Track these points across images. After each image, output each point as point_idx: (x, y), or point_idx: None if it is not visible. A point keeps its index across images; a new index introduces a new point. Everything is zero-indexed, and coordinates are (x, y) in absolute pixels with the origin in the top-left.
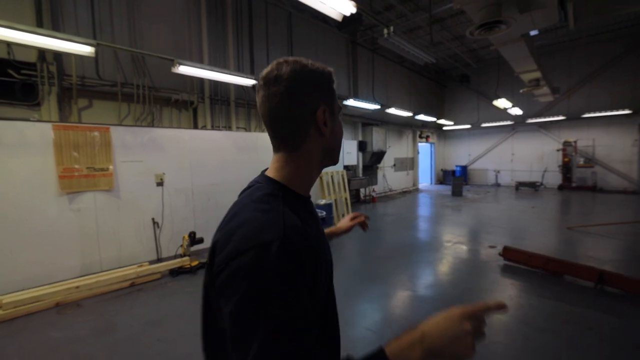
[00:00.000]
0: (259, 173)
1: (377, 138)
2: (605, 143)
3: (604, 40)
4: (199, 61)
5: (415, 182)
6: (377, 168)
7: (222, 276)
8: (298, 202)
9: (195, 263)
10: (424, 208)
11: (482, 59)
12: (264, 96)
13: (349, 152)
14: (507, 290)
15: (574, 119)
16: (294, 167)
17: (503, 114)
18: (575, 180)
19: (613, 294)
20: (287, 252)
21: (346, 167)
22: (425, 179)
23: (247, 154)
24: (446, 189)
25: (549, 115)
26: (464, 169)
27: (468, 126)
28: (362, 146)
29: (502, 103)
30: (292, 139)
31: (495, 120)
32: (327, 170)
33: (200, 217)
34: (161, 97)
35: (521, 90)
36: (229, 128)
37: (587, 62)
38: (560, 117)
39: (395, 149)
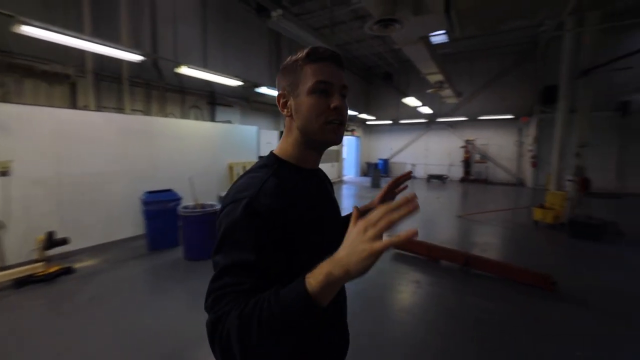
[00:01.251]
0: (148, 161)
1: None
2: (496, 142)
3: (498, 54)
4: (77, 28)
5: (340, 173)
6: None
7: (217, 224)
8: (293, 172)
9: (54, 269)
10: (341, 198)
11: (402, 59)
12: None
13: (269, 142)
14: (391, 279)
15: (473, 120)
16: (285, 143)
17: (419, 112)
18: (473, 174)
19: (477, 275)
20: (249, 208)
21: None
22: (350, 171)
23: (139, 140)
24: (368, 181)
25: (455, 116)
26: (385, 162)
27: (389, 122)
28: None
29: (410, 101)
30: (285, 120)
31: (412, 118)
32: (238, 161)
33: (69, 213)
34: (20, 65)
35: (428, 91)
36: (121, 110)
37: (485, 72)
38: (463, 118)
39: None
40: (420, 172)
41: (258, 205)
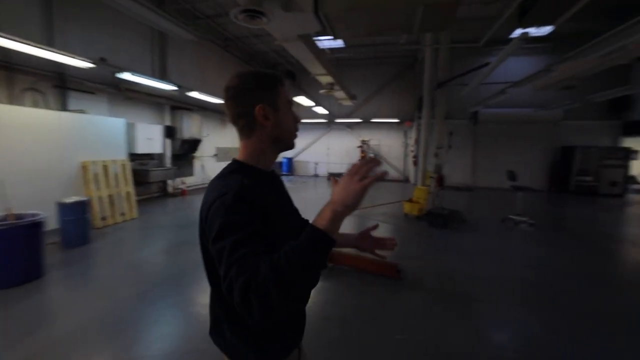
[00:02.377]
0: None
1: (190, 124)
2: (387, 143)
3: (388, 64)
4: None
5: None
6: (192, 157)
7: (207, 222)
8: (257, 175)
9: None
10: None
11: None
12: (224, 102)
13: (150, 138)
14: None
15: (368, 122)
16: (250, 150)
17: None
18: None
19: (343, 271)
20: (238, 197)
21: (144, 156)
22: None
23: None
24: None
25: (352, 117)
26: (290, 160)
27: None
28: (170, 132)
29: (301, 100)
30: (244, 131)
31: (313, 118)
32: (97, 159)
33: None
34: None
35: (320, 92)
36: None
37: (378, 78)
38: (359, 120)
39: (218, 138)
40: (323, 170)
41: (245, 194)
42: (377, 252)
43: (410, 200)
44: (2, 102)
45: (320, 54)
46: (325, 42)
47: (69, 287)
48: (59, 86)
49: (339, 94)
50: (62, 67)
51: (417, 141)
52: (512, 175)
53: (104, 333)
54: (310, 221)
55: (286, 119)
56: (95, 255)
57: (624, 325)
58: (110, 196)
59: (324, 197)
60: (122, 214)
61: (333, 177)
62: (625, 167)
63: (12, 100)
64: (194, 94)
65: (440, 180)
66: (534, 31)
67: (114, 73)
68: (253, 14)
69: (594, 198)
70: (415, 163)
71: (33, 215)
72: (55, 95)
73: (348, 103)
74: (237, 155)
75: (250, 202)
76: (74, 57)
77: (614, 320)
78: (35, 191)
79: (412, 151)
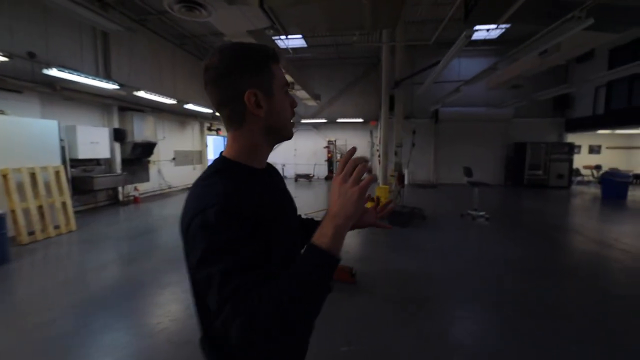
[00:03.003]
0: None
1: (143, 127)
2: (353, 143)
3: (352, 64)
4: None
5: None
6: (147, 162)
7: (188, 241)
8: (247, 174)
9: None
10: None
11: None
12: (203, 82)
13: (95, 142)
14: None
15: (334, 123)
16: (240, 144)
17: None
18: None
19: None
20: (222, 212)
21: (88, 161)
22: None
23: None
24: None
25: (318, 118)
26: None
27: None
28: (119, 135)
29: None
30: (232, 121)
31: None
32: (22, 166)
33: None
34: None
35: None
36: None
37: (342, 79)
38: (323, 120)
39: (176, 140)
40: (291, 171)
41: (230, 206)
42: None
43: (371, 199)
44: None
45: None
46: (288, 41)
47: None
48: None
49: (301, 93)
50: None
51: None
52: (468, 172)
53: None
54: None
55: (282, 105)
56: (11, 276)
57: (571, 318)
58: (40, 207)
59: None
60: (56, 227)
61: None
62: (570, 161)
63: None
64: (143, 94)
65: (400, 178)
66: (482, 33)
67: (41, 69)
68: (190, 5)
69: (544, 190)
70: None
71: None
72: None
73: (312, 103)
74: (225, 150)
75: (238, 215)
76: None
77: (562, 315)
78: None
79: (378, 150)
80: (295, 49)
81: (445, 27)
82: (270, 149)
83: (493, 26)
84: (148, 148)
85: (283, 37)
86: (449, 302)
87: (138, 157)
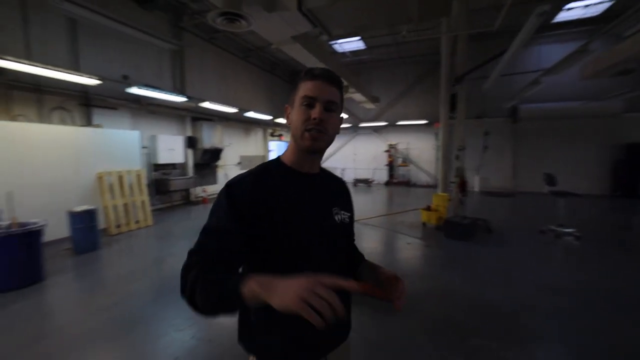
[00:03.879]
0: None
1: (211, 134)
2: (417, 146)
3: (414, 62)
4: None
5: None
6: (215, 166)
7: None
8: (284, 170)
9: None
10: None
11: None
12: None
13: (172, 149)
14: None
15: (396, 126)
16: (288, 148)
17: (348, 118)
18: (397, 177)
19: None
20: (225, 193)
21: (166, 166)
22: None
23: None
24: None
25: (378, 121)
26: None
27: None
28: (191, 142)
29: None
30: None
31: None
32: (112, 170)
33: None
34: None
35: None
36: None
37: (403, 78)
38: (383, 123)
39: (241, 146)
40: (350, 176)
41: (232, 191)
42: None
43: (428, 208)
44: (33, 121)
45: (324, 55)
46: (345, 44)
47: (65, 291)
48: (84, 104)
49: (357, 96)
50: (85, 86)
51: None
52: (550, 179)
53: (82, 331)
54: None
55: (296, 116)
56: (101, 260)
57: None
58: (125, 205)
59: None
60: (137, 222)
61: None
62: None
63: (42, 118)
64: (208, 104)
65: (462, 186)
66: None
67: (124, 89)
68: (231, 17)
69: None
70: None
71: (34, 223)
72: (80, 112)
73: (371, 106)
74: None
75: (232, 200)
76: (82, 75)
77: None
78: (53, 201)
79: (456, 154)
80: (354, 52)
81: (520, 11)
82: (306, 157)
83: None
84: (216, 153)
85: (341, 41)
86: (504, 340)
87: (207, 162)
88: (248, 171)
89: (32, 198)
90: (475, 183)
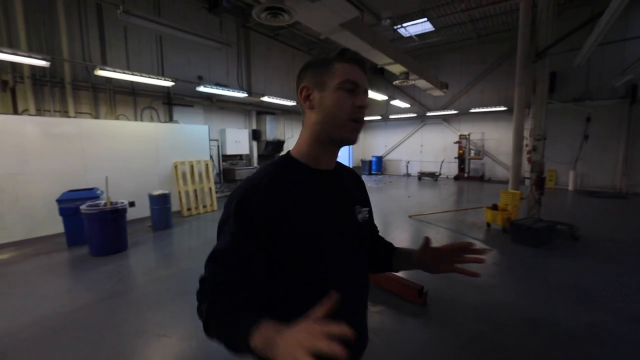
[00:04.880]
0: (77, 161)
1: (274, 127)
2: (494, 137)
3: (496, 41)
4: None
5: None
6: None
7: None
8: (300, 169)
9: None
10: None
11: None
12: None
13: (238, 141)
14: None
15: (469, 114)
16: (300, 141)
17: (411, 107)
18: (468, 171)
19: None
20: (238, 207)
21: (234, 157)
22: None
23: (63, 141)
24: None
25: (448, 109)
26: (379, 159)
27: (378, 117)
28: (255, 135)
29: (374, 95)
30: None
31: (403, 113)
32: (185, 160)
33: None
34: None
35: (394, 82)
36: (65, 113)
37: (482, 60)
38: (453, 112)
39: (294, 139)
40: (416, 169)
41: (247, 205)
42: (461, 267)
43: (494, 207)
44: (129, 119)
45: (380, 41)
46: (411, 28)
47: (139, 260)
48: (167, 103)
49: (421, 83)
50: (168, 88)
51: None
52: None
53: (155, 287)
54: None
55: (335, 101)
56: (171, 237)
57: None
58: (195, 191)
59: (391, 198)
60: (205, 206)
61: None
62: None
63: (136, 117)
64: (266, 98)
65: (539, 182)
66: None
67: (195, 88)
68: (274, 11)
69: None
70: (531, 160)
71: (121, 203)
72: (164, 110)
73: (438, 93)
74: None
75: (246, 216)
76: (165, 80)
77: None
78: (139, 185)
79: (527, 145)
80: (421, 35)
81: None
82: (329, 150)
83: None
84: (278, 145)
85: (406, 24)
86: None
87: (270, 153)
88: (257, 176)
89: (125, 182)
90: (569, 180)
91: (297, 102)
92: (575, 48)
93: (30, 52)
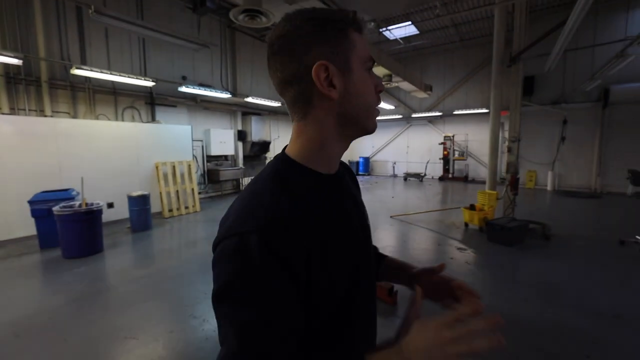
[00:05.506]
0: (52, 161)
1: (260, 128)
2: (477, 138)
3: (479, 45)
4: None
5: None
6: (265, 158)
7: (213, 262)
8: (305, 177)
9: None
10: None
11: None
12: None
13: (223, 142)
14: None
15: (453, 116)
16: (304, 140)
17: (398, 108)
18: (453, 172)
19: None
20: (262, 248)
21: (219, 157)
22: None
23: (37, 141)
24: None
25: (433, 111)
26: (367, 160)
27: None
28: (241, 135)
29: None
30: (297, 107)
31: (390, 114)
32: (167, 161)
33: None
34: None
35: None
36: (42, 112)
37: (466, 63)
38: (438, 113)
39: (289, 139)
40: (402, 169)
41: (276, 242)
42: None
43: (471, 207)
44: (110, 119)
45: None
46: (396, 31)
47: (114, 261)
48: (149, 103)
49: (405, 85)
50: (150, 88)
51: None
52: (637, 177)
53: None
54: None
55: (364, 86)
56: (149, 239)
57: None
58: (177, 192)
59: (377, 198)
60: (187, 207)
61: (420, 291)
62: None
63: (117, 117)
64: (251, 99)
65: (513, 183)
66: None
67: (177, 88)
68: (252, 14)
69: None
70: None
71: (97, 204)
72: (146, 110)
73: (422, 95)
74: (288, 146)
75: (283, 258)
76: (147, 80)
77: None
78: (118, 186)
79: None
80: (406, 38)
81: None
82: (345, 147)
83: None
84: (264, 146)
85: (391, 27)
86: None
87: (256, 153)
88: (264, 198)
89: (104, 183)
90: (548, 180)
91: (296, 92)
92: (548, 53)
93: (4, 49)
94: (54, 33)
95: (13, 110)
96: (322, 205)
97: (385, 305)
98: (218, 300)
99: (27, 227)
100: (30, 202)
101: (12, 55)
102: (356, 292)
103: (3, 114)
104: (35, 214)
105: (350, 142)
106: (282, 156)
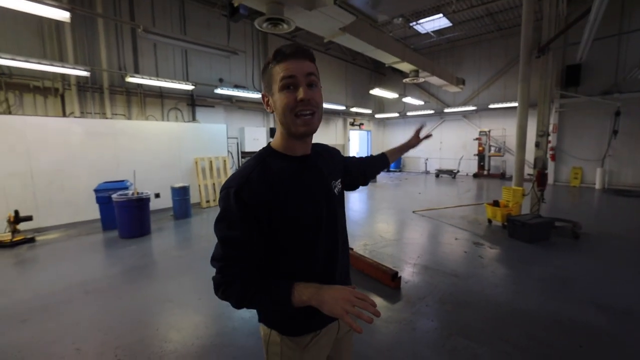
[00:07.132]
0: (112, 157)
1: None
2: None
3: (517, 34)
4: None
5: None
6: None
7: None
8: (282, 161)
9: (18, 238)
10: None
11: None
12: None
13: (256, 139)
14: None
15: (490, 110)
16: (276, 134)
17: (429, 103)
18: (489, 168)
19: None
20: (237, 197)
21: (252, 153)
22: None
23: (100, 139)
24: (382, 175)
25: (467, 105)
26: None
27: (395, 114)
28: (272, 133)
29: (376, 92)
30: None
31: (421, 109)
32: (204, 156)
33: (41, 199)
34: (17, 84)
35: (404, 80)
36: (104, 115)
37: (503, 54)
38: (471, 108)
39: (321, 135)
40: (435, 166)
41: (244, 195)
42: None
43: (495, 203)
44: (157, 119)
45: (385, 41)
46: (426, 25)
47: (159, 242)
48: (190, 104)
49: (435, 80)
50: (191, 90)
51: (556, 128)
52: None
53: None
54: None
55: (280, 102)
56: (188, 225)
57: None
58: (213, 184)
59: (402, 195)
60: (211, 200)
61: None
62: None
63: (163, 117)
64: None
65: (540, 178)
66: None
67: (214, 90)
68: (274, 21)
69: None
70: (553, 157)
71: (146, 194)
72: (188, 111)
73: (454, 89)
74: (272, 140)
75: (248, 205)
76: (188, 84)
77: None
78: (164, 178)
79: (549, 142)
80: (439, 31)
81: None
82: (297, 141)
83: None
84: None
85: (422, 20)
86: (497, 345)
87: None
88: (245, 168)
89: (153, 175)
90: (596, 178)
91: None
92: (597, 38)
93: (76, 64)
94: (113, 47)
95: (82, 114)
96: (286, 175)
97: (389, 289)
98: (215, 223)
99: (93, 211)
100: (96, 191)
101: (82, 68)
102: (316, 236)
103: (76, 117)
104: (99, 200)
105: (302, 139)
106: (267, 146)
